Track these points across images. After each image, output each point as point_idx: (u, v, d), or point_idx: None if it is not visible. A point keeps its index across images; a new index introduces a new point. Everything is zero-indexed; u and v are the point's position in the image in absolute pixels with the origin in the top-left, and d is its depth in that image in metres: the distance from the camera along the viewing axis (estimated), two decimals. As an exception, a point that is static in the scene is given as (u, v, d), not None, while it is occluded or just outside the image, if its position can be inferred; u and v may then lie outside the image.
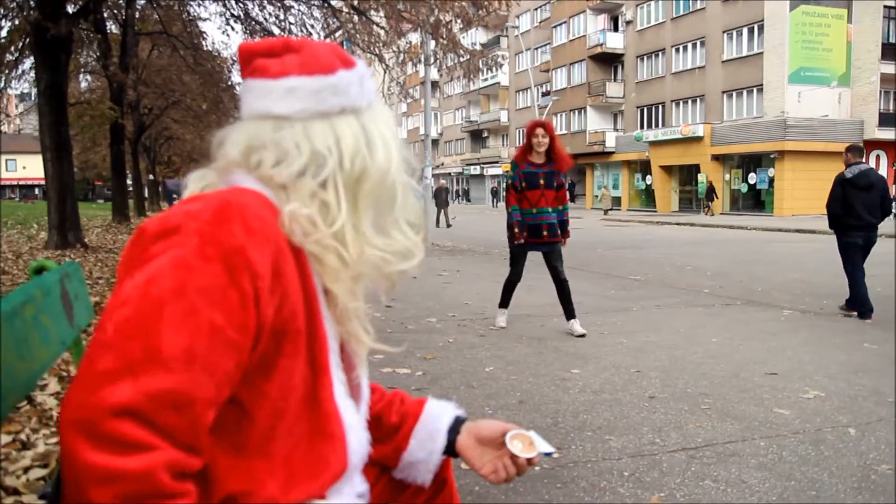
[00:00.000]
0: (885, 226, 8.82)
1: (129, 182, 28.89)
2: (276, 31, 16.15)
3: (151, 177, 39.31)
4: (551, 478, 3.02)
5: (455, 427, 1.38)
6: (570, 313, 6.12)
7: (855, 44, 32.50)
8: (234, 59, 23.84)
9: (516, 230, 6.07)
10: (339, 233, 1.09)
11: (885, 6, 31.63)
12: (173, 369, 0.88)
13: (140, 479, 0.85)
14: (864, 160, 7.30)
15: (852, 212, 7.08)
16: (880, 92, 32.25)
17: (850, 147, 7.44)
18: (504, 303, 6.45)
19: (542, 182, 6.02)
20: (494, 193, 52.94)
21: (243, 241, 0.96)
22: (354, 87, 1.14)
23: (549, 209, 6.08)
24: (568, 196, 6.57)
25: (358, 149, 1.11)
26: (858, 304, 7.07)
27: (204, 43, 21.41)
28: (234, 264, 0.95)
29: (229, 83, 23.87)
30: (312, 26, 16.30)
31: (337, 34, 18.97)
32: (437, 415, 1.40)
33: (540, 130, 5.97)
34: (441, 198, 25.92)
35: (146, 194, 37.91)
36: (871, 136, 32.03)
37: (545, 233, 6.07)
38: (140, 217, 26.58)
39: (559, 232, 6.16)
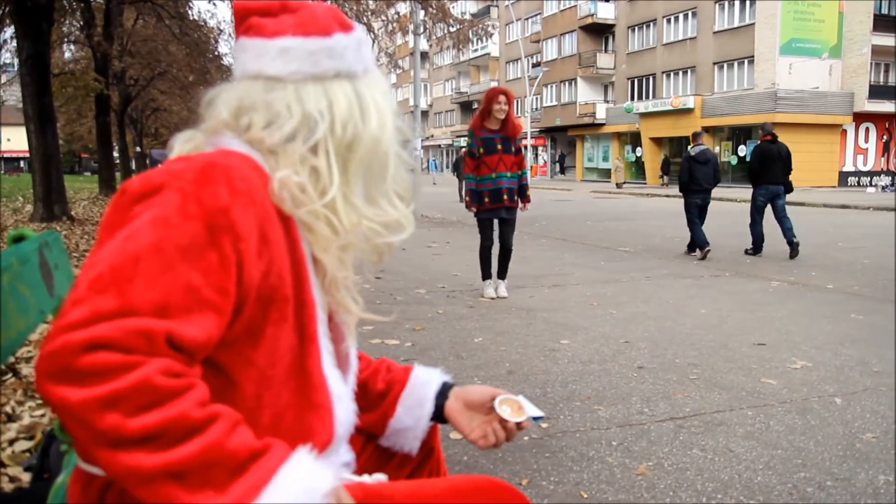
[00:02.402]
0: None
1: (115, 154, 28.60)
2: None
3: (139, 149, 38.93)
4: (539, 447, 3.03)
5: (443, 392, 1.37)
6: (501, 274, 6.55)
7: (847, 15, 32.34)
8: (221, 28, 23.61)
9: (467, 198, 6.37)
10: (331, 202, 1.06)
11: (876, -23, 31.50)
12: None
13: (137, 392, 0.81)
14: (703, 143, 9.99)
15: (694, 179, 9.61)
16: (871, 64, 32.19)
17: (695, 133, 10.37)
18: (486, 273, 6.54)
19: (499, 147, 6.14)
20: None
21: (227, 202, 0.94)
22: (351, 51, 1.11)
23: (508, 173, 6.19)
24: (526, 161, 6.81)
25: (351, 114, 1.09)
26: (698, 244, 9.46)
27: (190, 12, 21.09)
28: (216, 224, 0.92)
29: (216, 53, 23.60)
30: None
31: (326, 3, 18.73)
32: (425, 381, 1.38)
33: (503, 98, 6.11)
34: (462, 169, 24.27)
35: (133, 166, 37.58)
36: (861, 108, 32.07)
37: (505, 197, 6.20)
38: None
39: (517, 197, 6.32)
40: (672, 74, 37.75)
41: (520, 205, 6.40)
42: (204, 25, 22.13)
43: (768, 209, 9.72)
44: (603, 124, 42.14)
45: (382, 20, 16.63)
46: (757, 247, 9.72)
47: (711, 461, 2.92)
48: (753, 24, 32.68)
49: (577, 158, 46.06)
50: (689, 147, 9.98)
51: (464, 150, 6.18)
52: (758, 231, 9.71)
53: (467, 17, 29.21)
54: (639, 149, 39.64)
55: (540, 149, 50.34)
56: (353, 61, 1.11)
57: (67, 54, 26.21)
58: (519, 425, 1.29)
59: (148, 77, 26.73)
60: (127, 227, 0.91)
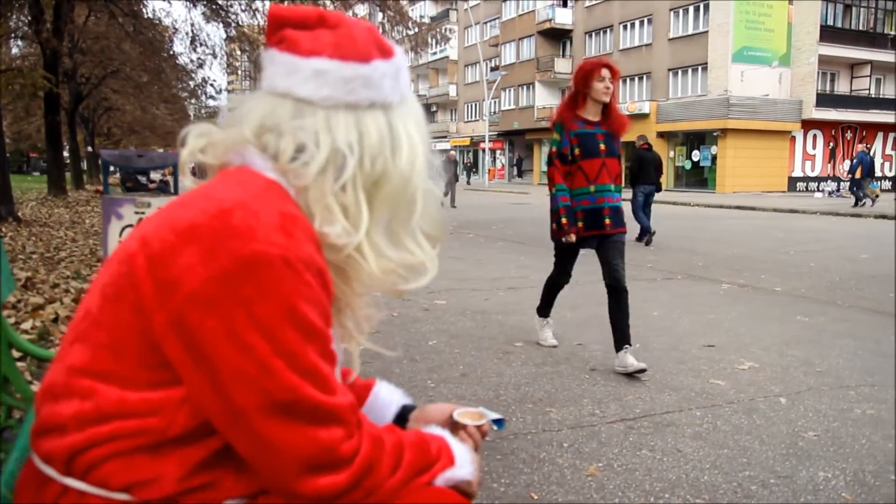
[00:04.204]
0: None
1: (66, 154, 27.92)
2: (219, -1, 15.73)
3: (90, 149, 38.06)
4: (491, 449, 3.04)
5: (402, 415, 1.36)
6: (622, 338, 4.27)
7: (795, 25, 33.23)
8: (176, 28, 23.25)
9: (564, 220, 4.34)
10: (360, 245, 1.04)
11: (823, -11, 32.44)
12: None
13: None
14: (647, 145, 12.23)
15: (644, 173, 11.95)
16: (818, 73, 33.12)
17: (639, 136, 12.48)
18: (544, 309, 4.98)
19: (602, 147, 4.34)
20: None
21: (313, 252, 0.97)
22: (388, 79, 1.06)
23: (612, 185, 4.39)
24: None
25: (381, 149, 1.04)
26: (645, 232, 11.49)
27: (144, 10, 20.72)
28: (321, 275, 0.98)
29: (171, 53, 23.22)
30: (255, -6, 15.93)
31: (283, 3, 18.59)
32: (386, 402, 1.38)
33: (606, 72, 4.26)
34: (449, 172, 21.84)
35: (84, 166, 36.73)
36: (809, 115, 32.98)
37: (608, 220, 4.34)
38: (78, 190, 25.76)
39: (623, 219, 4.48)
40: (628, 80, 38.29)
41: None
42: (158, 24, 21.76)
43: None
44: (560, 128, 42.51)
45: (340, 21, 16.57)
46: (647, 234, 11.62)
47: (660, 461, 2.96)
48: (707, 31, 33.37)
49: (534, 162, 46.43)
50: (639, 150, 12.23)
51: (552, 150, 4.45)
52: (643, 219, 11.78)
53: (426, 20, 29.28)
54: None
55: (498, 152, 50.62)
56: (389, 91, 1.06)
57: (15, 50, 25.52)
58: (480, 429, 1.29)
59: (100, 76, 26.15)
60: (256, 320, 0.91)
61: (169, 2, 18.62)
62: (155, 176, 23.03)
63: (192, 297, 0.91)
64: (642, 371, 4.09)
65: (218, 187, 1.00)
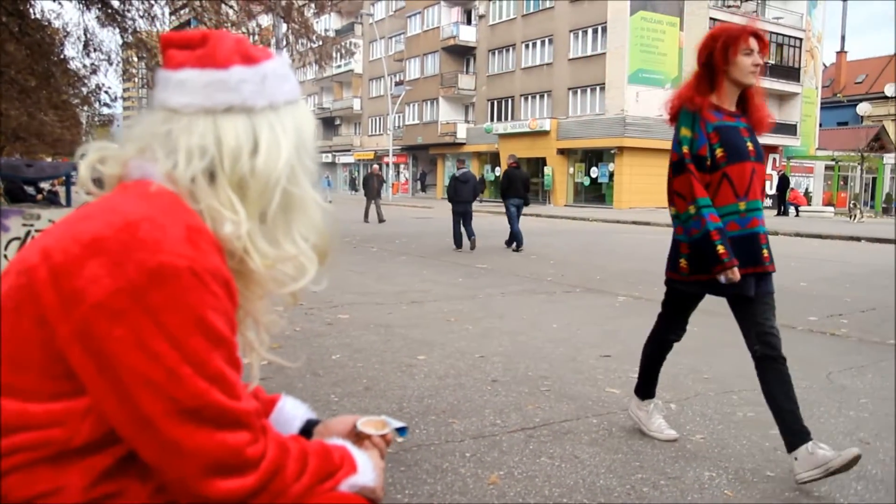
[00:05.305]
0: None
1: (-58, 161, 26.15)
2: (116, 3, 15.16)
3: (-31, 156, 35.86)
4: (395, 461, 3.06)
5: (307, 430, 1.38)
6: (801, 431, 2.90)
7: (686, 50, 34.90)
8: (67, 31, 22.22)
9: (721, 248, 2.90)
10: (246, 246, 1.06)
11: (710, 18, 34.34)
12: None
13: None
14: (466, 168, 13.96)
15: (458, 195, 13.09)
16: (707, 95, 34.91)
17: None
18: (647, 387, 3.59)
19: (750, 147, 3.07)
20: (352, 183, 52.60)
21: (219, 263, 1.00)
22: (249, 84, 1.09)
23: (761, 203, 3.13)
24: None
25: (240, 152, 1.06)
26: (456, 242, 13.11)
27: (32, 10, 19.70)
28: (228, 286, 1.01)
29: (62, 56, 22.16)
30: (156, 0, 15.45)
31: (183, 11, 18.11)
32: (290, 417, 1.39)
33: (754, 42, 3.02)
34: (371, 186, 21.54)
35: (-37, 175, 34.48)
36: (699, 135, 34.63)
37: (766, 252, 3.05)
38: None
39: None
40: (530, 97, 39.25)
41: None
42: (48, 26, 20.72)
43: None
44: (464, 143, 43.12)
45: (242, 32, 16.25)
46: (516, 242, 13.03)
47: (558, 467, 3.06)
48: (605, 53, 34.62)
49: (438, 177, 46.81)
50: (457, 172, 13.60)
51: (683, 150, 3.12)
52: (518, 231, 13.09)
53: (331, 33, 29.14)
54: (497, 168, 40.82)
55: (402, 166, 50.78)
56: (250, 94, 1.09)
57: None
58: (384, 438, 1.32)
59: (-19, 79, 24.70)
60: (164, 327, 0.93)
61: (60, 3, 17.66)
62: (43, 185, 21.87)
63: (99, 308, 0.92)
64: (848, 466, 2.76)
65: (122, 200, 1.01)
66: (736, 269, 2.89)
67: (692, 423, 3.69)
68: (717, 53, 3.03)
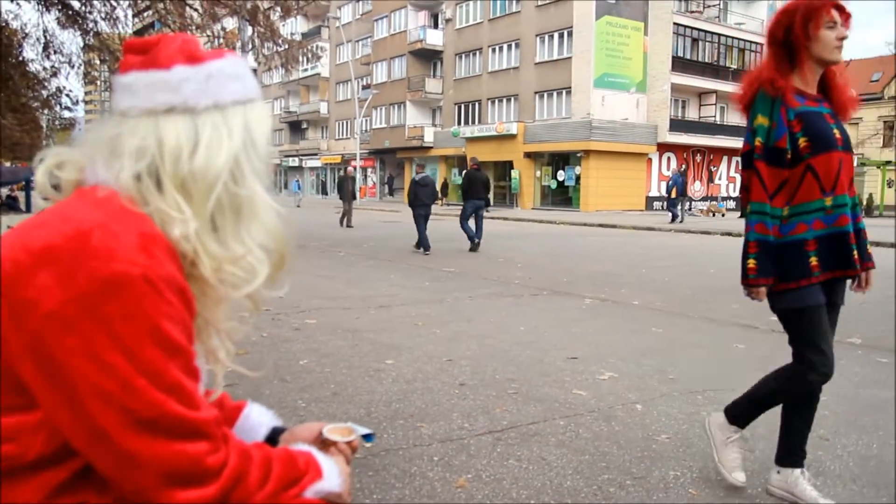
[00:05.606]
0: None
1: None
2: (76, 4, 14.92)
3: (-75, 161, 34.99)
4: (363, 466, 3.05)
5: (272, 437, 1.37)
6: (796, 458, 2.82)
7: (650, 55, 35.41)
8: (26, 32, 21.80)
9: (752, 263, 2.64)
10: (195, 248, 1.04)
11: (674, 23, 34.84)
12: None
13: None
14: (426, 172, 14.46)
15: (417, 198, 13.48)
16: (671, 100, 35.40)
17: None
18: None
19: (837, 135, 2.66)
20: (322, 188, 52.32)
21: (174, 270, 0.99)
22: (191, 84, 1.07)
23: (850, 199, 2.70)
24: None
25: (180, 152, 1.04)
26: (423, 245, 13.03)
27: (-11, 12, 19.32)
28: (183, 293, 1.00)
29: (20, 59, 21.73)
30: (118, 2, 15.23)
31: (146, 14, 17.88)
32: (256, 424, 1.38)
33: (837, 14, 2.60)
34: (346, 189, 20.76)
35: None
36: (664, 139, 35.12)
37: (856, 252, 2.67)
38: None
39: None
40: (497, 101, 39.42)
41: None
42: (6, 27, 20.32)
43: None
44: (431, 147, 43.15)
45: (208, 35, 16.10)
46: (472, 241, 13.64)
47: (526, 470, 3.08)
48: (571, 57, 34.92)
49: (405, 180, 46.75)
50: (416, 176, 13.89)
51: (756, 142, 2.62)
52: (467, 229, 13.77)
53: (297, 36, 28.93)
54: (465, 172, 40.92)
55: (369, 170, 50.66)
56: (193, 94, 1.06)
57: None
58: (350, 444, 1.31)
59: (-65, 81, 24.13)
60: (119, 338, 0.91)
61: (18, 4, 17.26)
62: (2, 191, 21.41)
63: (50, 318, 0.90)
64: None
65: (75, 208, 0.99)
66: (762, 289, 2.65)
67: (657, 423, 3.73)
68: (796, 28, 2.60)
